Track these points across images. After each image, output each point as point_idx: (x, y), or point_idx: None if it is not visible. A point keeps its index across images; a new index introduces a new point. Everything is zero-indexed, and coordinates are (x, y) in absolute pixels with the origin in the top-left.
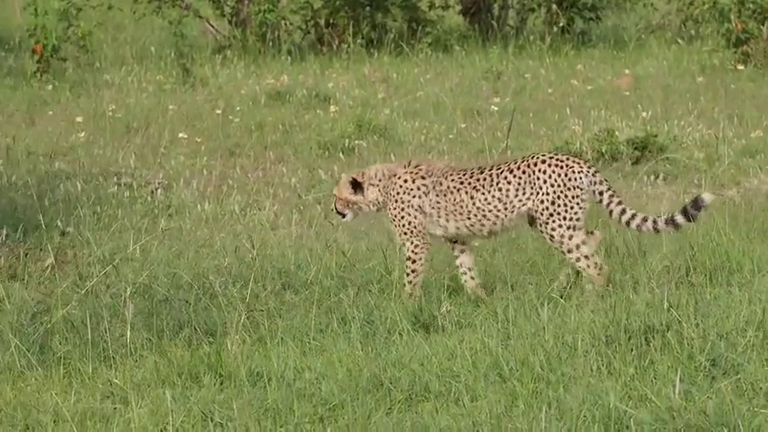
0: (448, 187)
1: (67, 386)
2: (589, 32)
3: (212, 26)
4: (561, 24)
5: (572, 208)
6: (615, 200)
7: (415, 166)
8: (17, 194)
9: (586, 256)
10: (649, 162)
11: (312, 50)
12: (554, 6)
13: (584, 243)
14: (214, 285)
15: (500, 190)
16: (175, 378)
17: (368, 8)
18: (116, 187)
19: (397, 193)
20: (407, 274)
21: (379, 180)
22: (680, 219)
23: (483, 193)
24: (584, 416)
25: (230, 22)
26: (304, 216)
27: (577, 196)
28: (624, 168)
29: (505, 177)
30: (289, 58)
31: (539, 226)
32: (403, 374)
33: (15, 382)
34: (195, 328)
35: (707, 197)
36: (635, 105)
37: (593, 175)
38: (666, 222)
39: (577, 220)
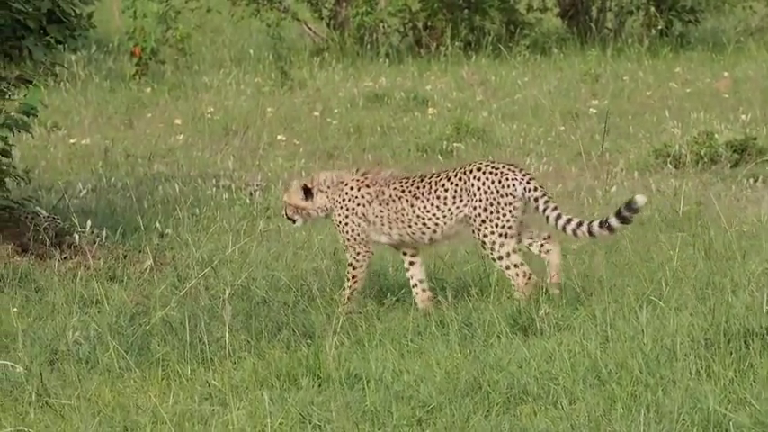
0: (390, 196)
1: (166, 388)
2: (688, 35)
3: (310, 29)
4: (660, 27)
5: (504, 215)
6: (551, 205)
7: (362, 174)
8: (116, 196)
9: (516, 265)
10: (748, 165)
11: (410, 53)
12: (652, 9)
13: (514, 252)
14: (312, 287)
15: (438, 198)
16: (273, 380)
17: (466, 11)
18: (214, 189)
19: (343, 200)
20: (347, 279)
21: (328, 187)
22: (614, 222)
23: (422, 201)
24: (683, 419)
25: (328, 25)
26: None
27: (510, 204)
28: (723, 171)
29: (443, 185)
30: (387, 60)
31: (472, 232)
32: (501, 377)
33: (114, 383)
34: (293, 330)
35: (640, 199)
36: (734, 108)
37: (527, 182)
38: (601, 225)
39: (509, 227)
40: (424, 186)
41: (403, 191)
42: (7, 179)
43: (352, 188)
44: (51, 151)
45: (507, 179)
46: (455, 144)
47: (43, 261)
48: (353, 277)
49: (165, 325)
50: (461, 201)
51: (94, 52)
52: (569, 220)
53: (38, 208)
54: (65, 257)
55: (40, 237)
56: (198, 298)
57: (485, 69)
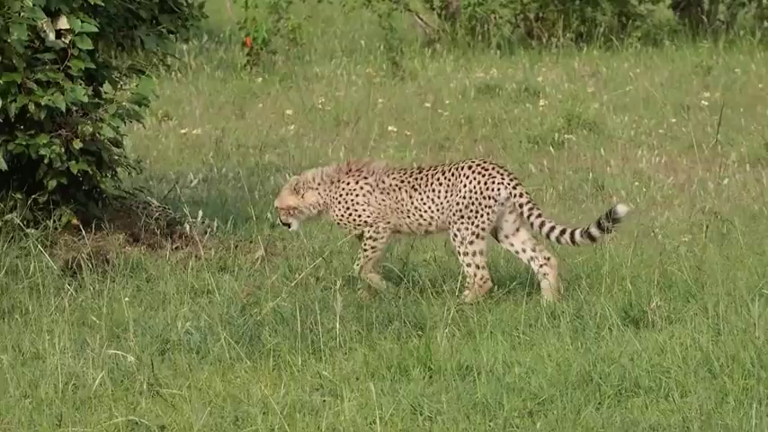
0: (390, 185)
1: (277, 378)
2: None
3: (422, 19)
4: None
5: (482, 216)
6: (535, 212)
7: (357, 170)
8: (227, 186)
9: (478, 266)
10: None
11: (521, 44)
12: (765, 1)
13: (481, 253)
14: (423, 279)
15: (433, 191)
16: (384, 371)
17: (577, 2)
18: None
19: (341, 196)
20: (365, 250)
21: (318, 184)
22: (595, 231)
23: (420, 193)
24: None
25: (439, 16)
26: None
27: (490, 207)
28: None
29: (438, 179)
30: (498, 51)
31: (449, 224)
32: (612, 370)
33: (225, 373)
34: (404, 322)
35: (621, 209)
36: None
37: (513, 187)
38: (582, 234)
39: (483, 229)
40: (422, 178)
41: (402, 181)
42: (119, 169)
43: (348, 183)
44: (163, 141)
45: (494, 182)
46: (566, 136)
47: (154, 251)
48: (372, 248)
49: (276, 315)
50: (452, 196)
51: (206, 42)
52: (552, 228)
53: (149, 198)
54: (176, 247)
55: (152, 227)
56: (309, 289)
57: (596, 61)
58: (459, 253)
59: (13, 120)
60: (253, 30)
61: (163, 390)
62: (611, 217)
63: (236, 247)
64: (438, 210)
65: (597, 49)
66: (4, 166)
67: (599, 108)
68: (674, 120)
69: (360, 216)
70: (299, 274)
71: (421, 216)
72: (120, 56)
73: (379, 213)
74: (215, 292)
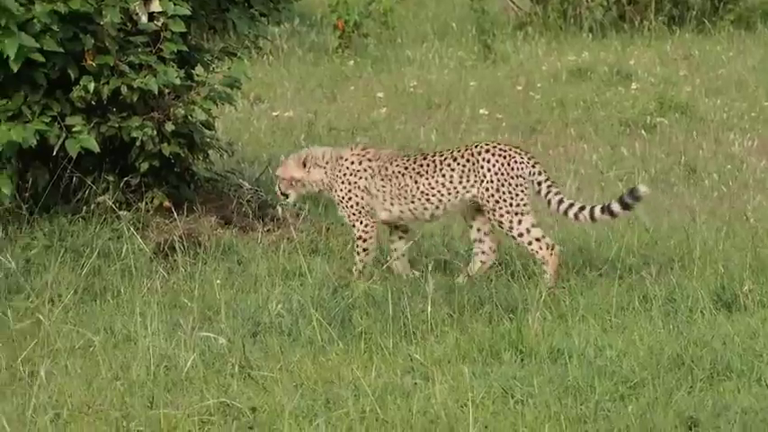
0: (393, 172)
1: (368, 361)
2: None
3: (513, 2)
4: None
5: (517, 194)
6: (554, 190)
7: (362, 149)
8: None
9: (537, 239)
10: None
11: (613, 27)
12: None
13: (533, 226)
14: (515, 262)
15: (444, 176)
16: (476, 354)
17: None
18: None
19: (344, 175)
20: (358, 254)
21: (326, 162)
22: (616, 207)
23: (427, 179)
24: None
25: None
26: (605, 193)
27: (521, 184)
28: None
29: (449, 164)
30: (590, 35)
31: (486, 213)
32: (705, 353)
33: (316, 356)
34: (496, 305)
35: (642, 189)
36: None
37: (532, 165)
38: (603, 211)
39: (524, 205)
40: (428, 164)
41: (406, 167)
42: (211, 151)
43: (353, 162)
44: (254, 124)
45: (516, 161)
46: (658, 119)
47: (246, 233)
48: (364, 250)
49: (367, 298)
50: (468, 181)
51: (297, 25)
52: (571, 205)
53: (241, 180)
54: (268, 230)
55: (244, 209)
56: None
57: (688, 44)
58: (514, 238)
59: (105, 102)
60: (345, 13)
61: (254, 372)
62: (635, 195)
63: (328, 229)
64: (450, 194)
65: (689, 32)
66: (97, 149)
67: (691, 91)
68: (766, 103)
69: (357, 203)
70: (391, 257)
71: (428, 200)
72: (212, 38)
73: (371, 208)
74: (307, 274)
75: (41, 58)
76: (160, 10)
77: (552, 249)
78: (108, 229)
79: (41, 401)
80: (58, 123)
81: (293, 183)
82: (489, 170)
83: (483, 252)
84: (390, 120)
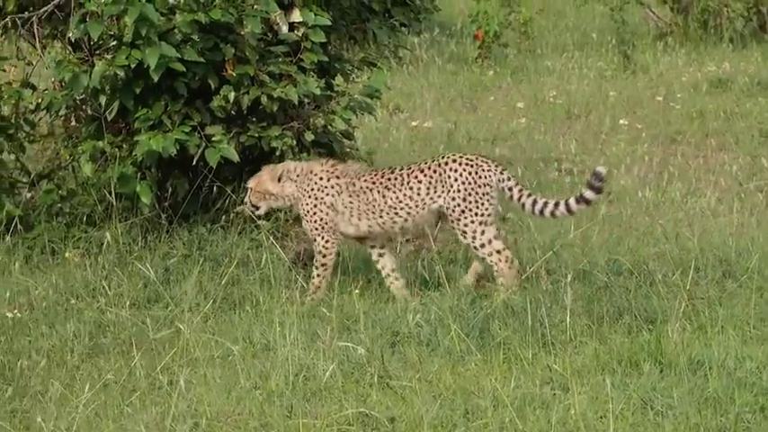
0: (360, 187)
1: (507, 371)
2: None
3: (654, 13)
4: None
5: (482, 204)
6: (525, 192)
7: (332, 165)
8: None
9: (498, 251)
10: None
11: (754, 38)
12: None
13: (495, 238)
14: (654, 273)
15: (411, 188)
16: (615, 365)
17: None
18: (557, 173)
19: (312, 189)
20: (316, 268)
21: (297, 176)
22: (589, 194)
23: (394, 192)
24: None
25: (672, 9)
26: (745, 204)
27: (487, 193)
28: None
29: (416, 177)
30: (730, 45)
31: (450, 223)
32: None
33: (455, 366)
34: (635, 316)
35: (601, 169)
36: None
37: (500, 173)
38: (578, 201)
39: (488, 215)
40: (396, 178)
41: (374, 182)
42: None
43: (321, 178)
44: (393, 134)
45: (483, 170)
46: None
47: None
48: (323, 265)
49: (506, 309)
50: (435, 191)
51: (437, 35)
52: (546, 204)
53: None
54: (407, 240)
55: None
56: (540, 282)
57: None
58: (476, 248)
59: (245, 112)
60: (484, 23)
61: (393, 382)
62: (597, 178)
63: None
64: (417, 206)
65: None
66: (237, 158)
67: None
68: None
69: (321, 219)
70: (530, 268)
71: (396, 214)
72: (351, 48)
73: (332, 225)
74: (445, 284)
75: (182, 68)
76: (300, 20)
77: (511, 263)
78: (247, 239)
79: (180, 410)
80: (198, 133)
81: (266, 196)
82: (456, 180)
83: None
84: (530, 130)
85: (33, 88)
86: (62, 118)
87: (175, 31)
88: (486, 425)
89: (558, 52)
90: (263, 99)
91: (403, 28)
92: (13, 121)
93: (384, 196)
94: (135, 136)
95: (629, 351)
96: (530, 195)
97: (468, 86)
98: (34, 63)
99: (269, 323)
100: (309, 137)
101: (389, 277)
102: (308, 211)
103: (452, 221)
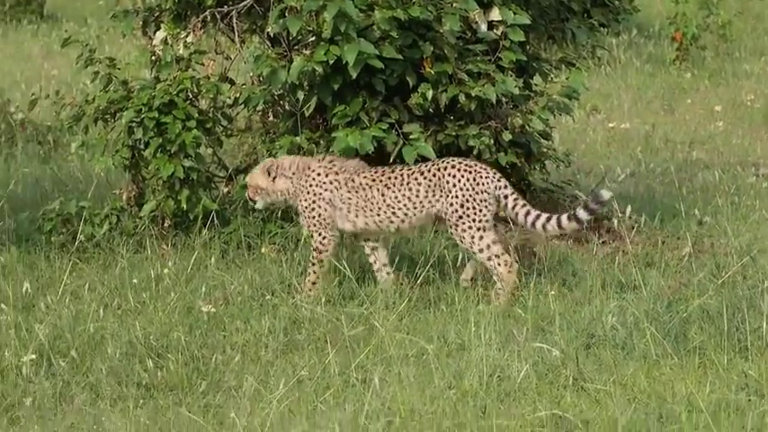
0: (360, 183)
1: (702, 376)
2: None
3: None
4: None
5: (480, 210)
6: (519, 203)
7: (329, 161)
8: (655, 182)
9: (497, 255)
10: None
11: None
12: None
13: (494, 243)
14: None
15: (410, 189)
16: None
17: None
18: (754, 178)
19: (310, 186)
20: (312, 264)
21: (293, 173)
22: (582, 214)
23: (393, 192)
24: None
25: None
26: None
27: (485, 200)
28: None
29: (416, 178)
30: None
31: (449, 228)
32: None
33: (650, 370)
34: None
35: (605, 193)
36: None
37: (497, 180)
38: (569, 219)
39: (486, 221)
40: (395, 177)
41: (374, 180)
42: (547, 162)
43: (319, 174)
44: (590, 135)
45: (481, 177)
46: None
47: (581, 245)
48: (320, 261)
49: (702, 313)
50: (434, 196)
51: (635, 36)
52: (538, 216)
53: (577, 191)
54: (603, 242)
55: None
56: (736, 287)
57: None
58: (474, 253)
59: (443, 110)
60: (683, 25)
61: (587, 384)
62: (598, 200)
63: (663, 243)
64: (415, 208)
65: None
66: (434, 156)
67: None
68: None
69: (319, 215)
70: (726, 272)
71: (393, 213)
72: (550, 48)
73: (330, 221)
74: (641, 287)
75: (380, 65)
76: (499, 19)
77: (510, 267)
78: (443, 238)
79: (374, 408)
80: (396, 130)
81: (258, 191)
82: (455, 185)
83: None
84: (727, 134)
85: (231, 83)
86: (259, 113)
87: (374, 27)
88: (681, 430)
89: (757, 56)
90: (461, 97)
91: (602, 28)
92: (210, 115)
93: (383, 195)
94: (332, 132)
95: None
96: (524, 206)
97: (666, 88)
98: (232, 57)
99: (464, 323)
100: (507, 136)
101: (381, 271)
102: (305, 207)
103: (450, 227)
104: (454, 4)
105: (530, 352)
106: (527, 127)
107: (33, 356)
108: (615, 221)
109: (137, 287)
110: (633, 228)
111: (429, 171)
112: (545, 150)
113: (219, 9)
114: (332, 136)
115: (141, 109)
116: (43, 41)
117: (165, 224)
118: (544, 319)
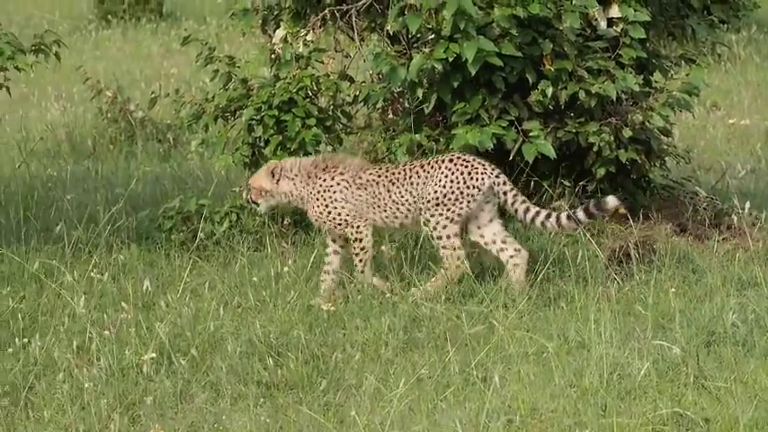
0: (367, 180)
1: None
2: None
3: None
4: None
5: (460, 203)
6: (519, 199)
7: (333, 166)
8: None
9: (454, 248)
10: None
11: None
12: None
13: (455, 236)
14: None
15: (411, 184)
16: None
17: None
18: None
19: (318, 193)
20: (357, 254)
21: (295, 175)
22: (581, 215)
23: (398, 187)
24: None
25: None
26: None
27: (472, 195)
28: None
29: (417, 172)
30: None
31: (421, 211)
32: None
33: None
34: None
35: (611, 201)
36: None
37: (496, 176)
38: (569, 218)
39: (458, 215)
40: (399, 173)
41: (380, 176)
42: (668, 158)
43: (325, 180)
44: (710, 131)
45: (477, 172)
46: None
47: (701, 242)
48: (362, 249)
49: None
50: (427, 186)
51: (754, 32)
52: (538, 213)
53: (697, 188)
54: (723, 239)
55: (699, 217)
56: None
57: None
58: (432, 237)
59: (563, 107)
60: None
61: (708, 382)
62: (601, 206)
63: None
64: (415, 202)
65: None
66: (554, 154)
67: None
68: None
69: (339, 214)
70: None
71: (398, 209)
72: (669, 45)
73: (356, 211)
74: (762, 284)
75: (499, 62)
76: (619, 15)
77: (460, 264)
78: (563, 235)
79: (494, 406)
80: (515, 128)
81: (262, 193)
82: (446, 176)
83: (512, 256)
84: None
85: (351, 80)
86: (379, 110)
87: (494, 25)
88: None
89: None
90: (581, 94)
91: (722, 25)
92: (330, 112)
93: (389, 191)
94: (452, 129)
95: None
96: (523, 202)
97: None
98: (352, 55)
99: (584, 320)
100: (627, 133)
101: (328, 275)
102: (321, 213)
103: (423, 210)
104: (574, 2)
105: (650, 350)
106: (647, 124)
107: (154, 355)
108: (735, 218)
109: (256, 285)
110: (754, 224)
111: (429, 164)
112: (665, 147)
113: (339, 7)
114: (451, 133)
115: (261, 107)
116: (162, 40)
117: (285, 222)
118: (664, 316)
